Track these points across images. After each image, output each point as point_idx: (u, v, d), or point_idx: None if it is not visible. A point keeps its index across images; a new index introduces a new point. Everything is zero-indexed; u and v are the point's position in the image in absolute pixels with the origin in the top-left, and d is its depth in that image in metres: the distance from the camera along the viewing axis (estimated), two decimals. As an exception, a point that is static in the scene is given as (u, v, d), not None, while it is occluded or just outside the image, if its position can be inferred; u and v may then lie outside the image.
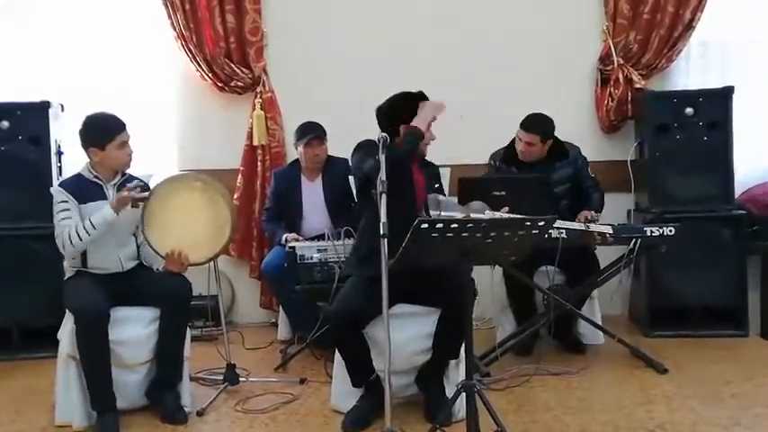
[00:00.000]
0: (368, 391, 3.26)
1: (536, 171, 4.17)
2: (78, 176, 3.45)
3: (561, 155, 4.24)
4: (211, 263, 3.63)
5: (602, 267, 4.11)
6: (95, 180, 3.41)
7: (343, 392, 3.34)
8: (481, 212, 3.19)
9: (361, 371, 3.24)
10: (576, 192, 4.25)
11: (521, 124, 4.17)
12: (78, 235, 3.26)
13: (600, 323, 4.17)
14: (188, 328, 3.49)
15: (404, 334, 3.22)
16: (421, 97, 3.32)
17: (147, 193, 3.36)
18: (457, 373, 3.30)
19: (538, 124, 4.14)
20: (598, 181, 4.29)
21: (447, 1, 4.99)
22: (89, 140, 3.37)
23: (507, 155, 4.30)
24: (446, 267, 3.10)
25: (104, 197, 3.40)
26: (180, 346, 3.42)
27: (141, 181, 3.45)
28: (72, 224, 3.29)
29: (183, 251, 3.38)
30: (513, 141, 4.29)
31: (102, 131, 3.35)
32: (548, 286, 3.92)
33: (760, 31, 4.89)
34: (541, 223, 2.65)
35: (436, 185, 3.34)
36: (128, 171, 3.52)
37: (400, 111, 3.30)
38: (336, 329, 3.20)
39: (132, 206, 3.35)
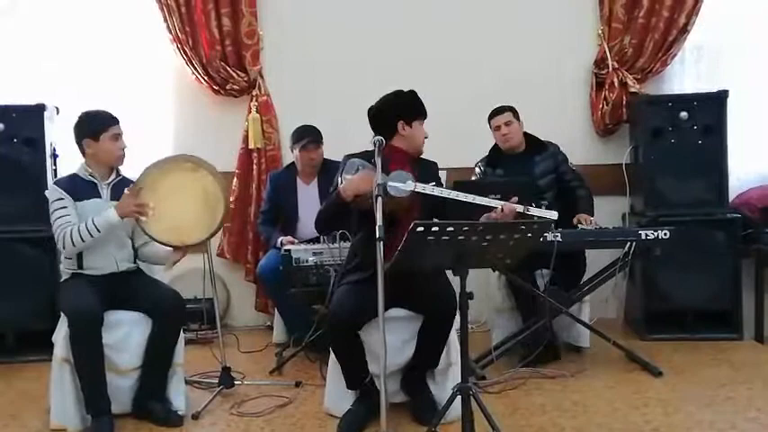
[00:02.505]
0: (362, 394, 3.26)
1: (519, 168, 4.25)
2: (73, 176, 3.47)
3: (539, 148, 4.33)
4: (207, 266, 3.64)
5: (596, 271, 4.11)
6: (90, 179, 3.43)
7: (336, 395, 3.34)
8: (402, 182, 3.03)
9: (357, 373, 3.24)
10: (560, 184, 4.30)
11: (490, 116, 4.35)
12: (80, 236, 3.26)
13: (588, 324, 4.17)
14: (182, 333, 3.47)
15: (398, 337, 3.23)
16: (410, 97, 3.34)
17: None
18: (450, 376, 3.30)
19: (503, 106, 4.34)
20: (582, 177, 4.32)
21: (443, 5, 5.01)
22: (83, 132, 3.39)
23: (490, 158, 4.41)
24: (432, 275, 3.14)
25: (98, 196, 3.42)
26: (168, 359, 3.40)
27: (136, 184, 3.44)
28: (72, 222, 3.30)
29: (180, 240, 3.40)
30: (494, 145, 4.40)
31: (97, 122, 3.40)
32: (542, 289, 3.92)
33: (754, 35, 4.90)
34: (537, 227, 2.66)
35: (432, 184, 3.30)
36: (123, 173, 3.53)
37: (395, 109, 3.33)
38: (334, 332, 3.20)
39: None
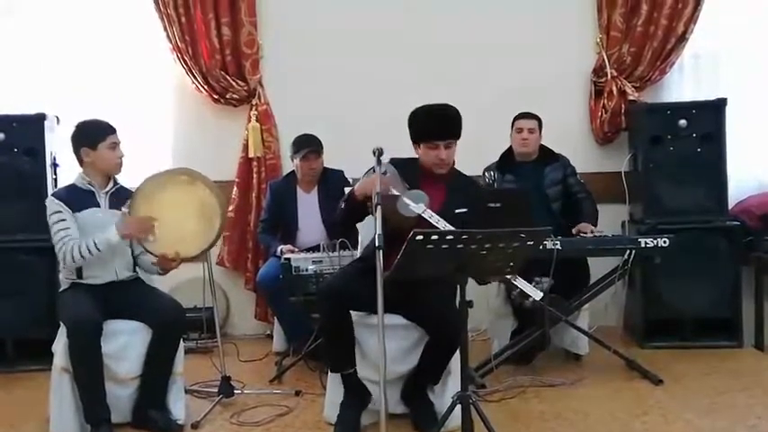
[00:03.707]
0: (348, 392, 3.23)
1: (529, 176, 4.29)
2: (71, 186, 3.48)
3: (551, 159, 4.37)
4: (207, 275, 3.64)
5: (596, 279, 4.11)
6: (89, 188, 3.44)
7: (336, 404, 3.31)
8: (414, 202, 2.99)
9: (341, 355, 3.21)
10: (566, 195, 4.33)
11: (518, 116, 4.38)
12: (81, 253, 3.28)
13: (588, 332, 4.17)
14: (181, 343, 3.47)
15: (397, 345, 3.22)
16: (415, 120, 3.28)
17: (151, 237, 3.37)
18: (449, 385, 3.29)
19: (532, 113, 4.38)
20: (589, 190, 4.34)
21: (442, 14, 5.02)
22: (81, 141, 3.42)
23: (502, 163, 4.41)
24: (435, 288, 3.10)
25: (97, 204, 3.43)
26: (168, 368, 3.40)
27: (132, 200, 3.44)
28: (73, 237, 3.31)
29: (175, 250, 3.38)
30: (505, 151, 4.42)
31: (95, 131, 3.42)
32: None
33: (753, 43, 4.92)
34: (536, 236, 2.66)
35: (461, 210, 3.19)
36: (120, 183, 3.55)
37: (410, 127, 3.31)
38: (323, 303, 3.18)
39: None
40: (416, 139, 3.29)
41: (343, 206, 3.23)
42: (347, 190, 3.21)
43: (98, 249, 3.28)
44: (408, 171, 3.20)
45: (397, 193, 2.99)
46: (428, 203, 3.02)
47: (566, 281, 4.00)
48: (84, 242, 3.29)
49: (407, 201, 2.98)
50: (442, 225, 3.00)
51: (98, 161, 3.42)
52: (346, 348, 3.22)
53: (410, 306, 3.22)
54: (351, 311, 3.22)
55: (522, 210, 3.58)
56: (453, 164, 3.34)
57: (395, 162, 3.21)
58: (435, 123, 3.24)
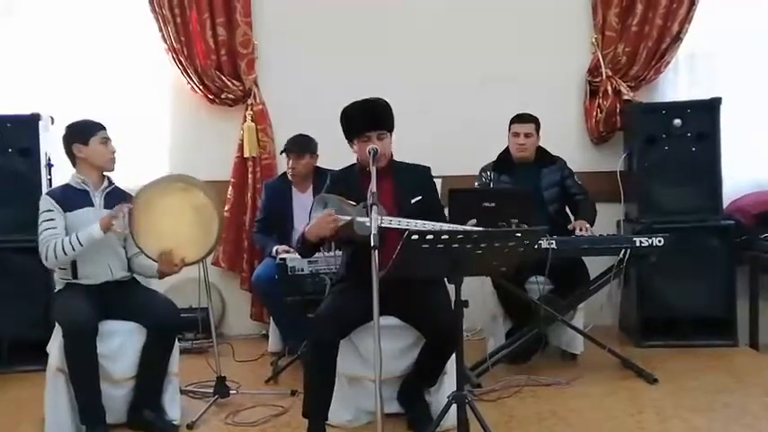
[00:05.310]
0: None
1: (526, 177, 4.28)
2: (66, 186, 3.49)
3: (548, 161, 4.37)
4: (202, 275, 3.63)
5: (592, 278, 4.12)
6: (83, 187, 3.44)
7: (332, 405, 3.31)
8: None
9: (319, 398, 3.07)
10: (565, 197, 4.33)
11: (515, 119, 4.34)
12: (63, 249, 3.26)
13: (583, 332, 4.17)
14: (176, 343, 3.47)
15: (393, 345, 3.23)
16: (343, 118, 3.25)
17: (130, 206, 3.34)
18: (445, 384, 3.29)
19: (530, 115, 4.35)
20: (587, 191, 4.34)
21: (437, 14, 5.03)
22: (73, 137, 3.44)
23: (498, 164, 4.40)
24: (428, 289, 3.11)
25: (91, 204, 3.43)
26: (163, 369, 3.40)
27: (128, 194, 3.44)
28: (57, 236, 3.30)
29: (175, 251, 3.36)
30: (503, 152, 4.40)
31: (85, 128, 3.46)
32: (537, 297, 3.92)
33: (747, 43, 4.93)
34: (532, 234, 2.67)
35: (416, 198, 3.21)
36: (116, 183, 3.54)
37: (342, 127, 3.27)
38: (321, 334, 3.07)
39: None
40: (350, 136, 3.24)
41: (302, 246, 3.19)
42: (300, 229, 3.22)
43: (80, 244, 3.26)
44: (350, 178, 3.23)
45: (349, 218, 2.98)
46: (383, 212, 2.97)
47: (565, 281, 4.02)
48: (66, 238, 3.28)
49: (361, 219, 2.97)
50: (404, 224, 2.96)
51: (91, 156, 3.43)
52: (326, 389, 3.09)
53: (405, 309, 3.21)
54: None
55: (524, 209, 3.57)
56: (391, 156, 3.32)
57: (334, 175, 3.31)
58: (366, 116, 3.22)
